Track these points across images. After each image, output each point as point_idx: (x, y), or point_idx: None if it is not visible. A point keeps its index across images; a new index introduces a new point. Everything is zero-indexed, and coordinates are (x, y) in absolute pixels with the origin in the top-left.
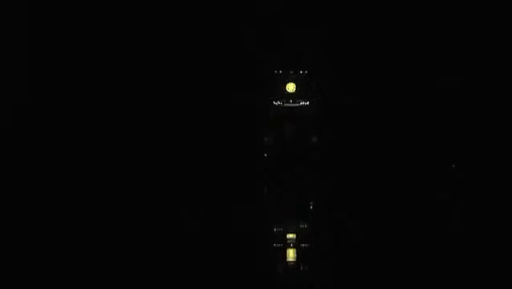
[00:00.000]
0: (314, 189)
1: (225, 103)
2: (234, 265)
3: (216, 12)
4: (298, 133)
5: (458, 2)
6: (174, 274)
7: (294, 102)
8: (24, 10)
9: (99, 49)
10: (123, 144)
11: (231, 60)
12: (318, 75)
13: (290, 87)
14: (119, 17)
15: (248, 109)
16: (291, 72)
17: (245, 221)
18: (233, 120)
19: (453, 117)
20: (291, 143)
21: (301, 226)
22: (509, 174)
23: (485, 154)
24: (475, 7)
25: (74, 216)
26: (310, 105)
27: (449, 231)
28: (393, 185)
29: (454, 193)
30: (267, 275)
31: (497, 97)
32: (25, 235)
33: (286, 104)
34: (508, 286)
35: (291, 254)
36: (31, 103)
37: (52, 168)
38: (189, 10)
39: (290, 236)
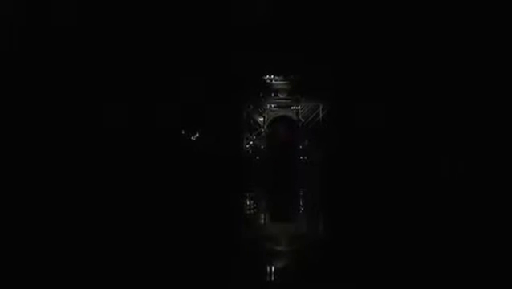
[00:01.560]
0: (306, 190)
1: (218, 107)
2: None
3: (211, 17)
4: (290, 136)
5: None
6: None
7: (286, 106)
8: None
9: (90, 54)
10: (121, 145)
11: (224, 65)
12: (310, 81)
13: (282, 92)
14: (117, 16)
15: (241, 113)
16: (283, 77)
17: (235, 224)
18: (227, 124)
19: (447, 118)
20: (284, 146)
21: (292, 227)
22: (506, 173)
23: (481, 155)
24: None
25: (69, 214)
26: (302, 110)
27: (446, 230)
28: (386, 186)
29: (450, 191)
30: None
31: (493, 100)
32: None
33: (278, 108)
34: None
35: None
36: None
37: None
38: (185, 17)
39: (281, 239)
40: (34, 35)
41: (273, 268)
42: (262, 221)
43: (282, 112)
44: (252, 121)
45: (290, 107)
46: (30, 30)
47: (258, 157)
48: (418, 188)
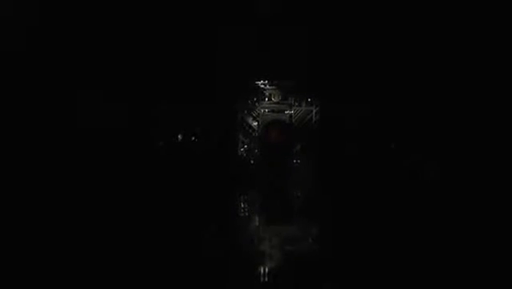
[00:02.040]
0: (298, 195)
1: (212, 110)
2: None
3: (204, 21)
4: (283, 141)
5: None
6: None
7: (279, 111)
8: None
9: (85, 60)
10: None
11: (216, 69)
12: (303, 86)
13: (275, 97)
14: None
15: (235, 117)
16: (276, 82)
17: (225, 233)
18: (221, 128)
19: (436, 120)
20: (277, 149)
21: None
22: (494, 175)
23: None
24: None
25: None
26: (295, 114)
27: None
28: (378, 189)
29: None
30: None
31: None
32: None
33: (271, 113)
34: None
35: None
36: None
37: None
38: (179, 22)
39: (274, 240)
40: (34, 35)
41: (266, 270)
42: (256, 223)
43: (275, 117)
44: (246, 125)
45: (284, 111)
46: (30, 29)
47: (252, 161)
48: (409, 190)
